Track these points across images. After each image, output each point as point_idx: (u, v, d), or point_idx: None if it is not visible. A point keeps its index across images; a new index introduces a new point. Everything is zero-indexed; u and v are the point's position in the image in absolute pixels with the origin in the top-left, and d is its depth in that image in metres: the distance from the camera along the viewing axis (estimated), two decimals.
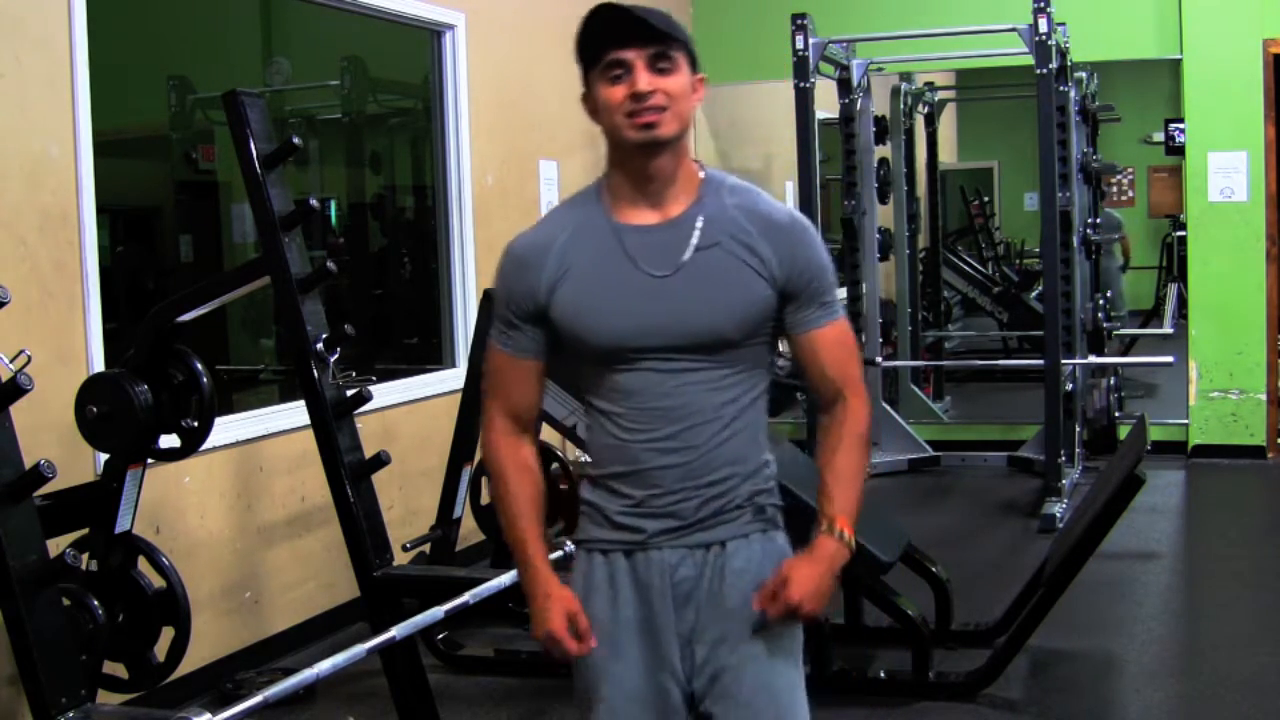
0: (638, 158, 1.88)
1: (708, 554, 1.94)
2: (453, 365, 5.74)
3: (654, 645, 1.94)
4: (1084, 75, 7.51)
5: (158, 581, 3.45)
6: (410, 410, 5.24)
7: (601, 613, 1.96)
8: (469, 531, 4.89)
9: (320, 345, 3.51)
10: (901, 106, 8.29)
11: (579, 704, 2.02)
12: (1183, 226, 8.38)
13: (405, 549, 4.30)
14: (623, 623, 1.95)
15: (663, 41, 1.83)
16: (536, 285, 1.92)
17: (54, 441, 3.52)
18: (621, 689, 1.94)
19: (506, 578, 3.43)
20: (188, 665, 3.60)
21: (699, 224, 1.90)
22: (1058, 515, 5.95)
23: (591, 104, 1.89)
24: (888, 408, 7.58)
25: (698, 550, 1.93)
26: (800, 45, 6.58)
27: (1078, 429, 7.07)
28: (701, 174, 1.94)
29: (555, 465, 4.85)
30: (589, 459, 2.02)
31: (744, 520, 1.96)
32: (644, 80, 1.82)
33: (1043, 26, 6.08)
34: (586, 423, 2.02)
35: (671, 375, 1.90)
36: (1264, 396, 7.19)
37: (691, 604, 1.94)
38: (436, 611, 3.20)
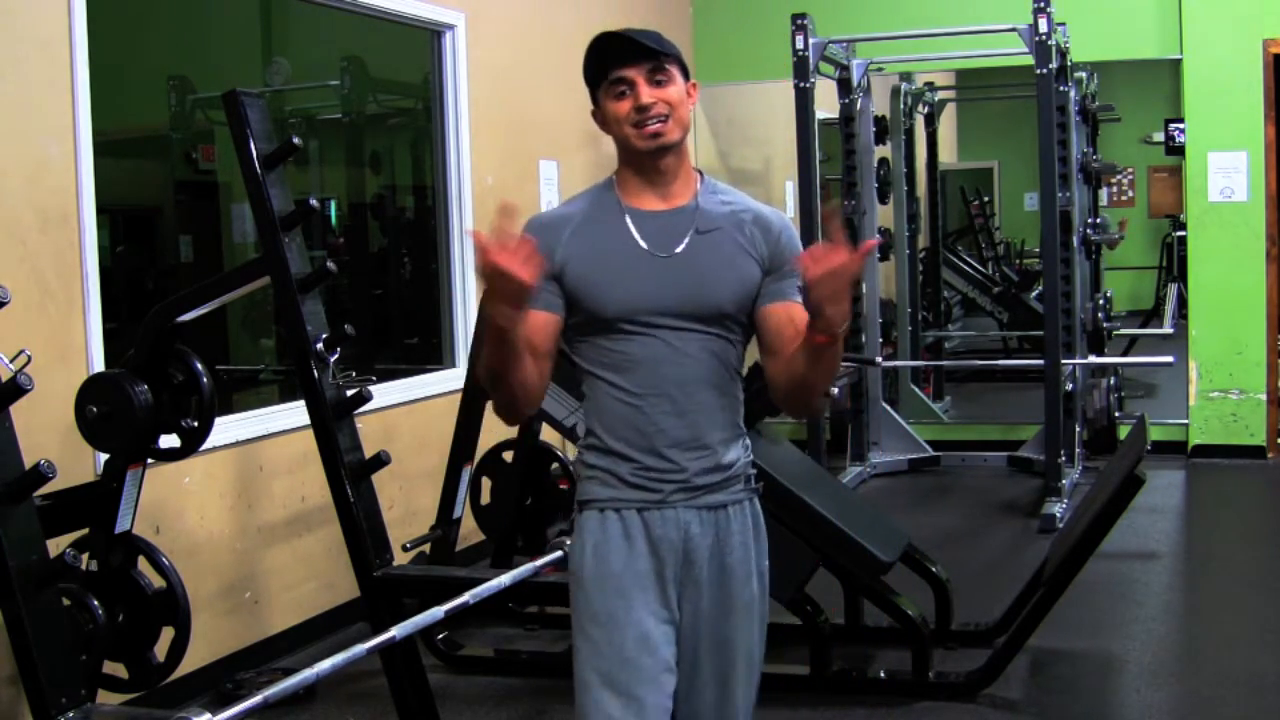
0: (646, 161, 2.12)
1: (712, 515, 2.14)
2: (453, 365, 5.74)
3: (661, 594, 2.12)
4: (1084, 75, 7.51)
5: (158, 581, 3.45)
6: (410, 410, 5.24)
7: (616, 566, 2.12)
8: (469, 531, 4.89)
9: (320, 345, 3.52)
10: (901, 106, 8.29)
11: (589, 651, 2.10)
12: (1183, 226, 8.38)
13: (405, 549, 4.30)
14: (637, 576, 2.11)
15: (657, 58, 2.08)
16: (552, 251, 2.09)
17: (54, 441, 3.52)
18: (632, 637, 2.09)
19: (506, 578, 3.43)
20: (188, 665, 3.60)
21: (699, 212, 2.14)
22: (1058, 515, 5.95)
23: (601, 118, 2.14)
24: (888, 408, 7.58)
25: (704, 512, 2.13)
26: (800, 45, 6.59)
27: (1078, 429, 7.07)
28: (698, 178, 2.19)
29: (555, 465, 4.86)
30: (591, 428, 2.16)
31: (738, 488, 2.17)
32: (645, 94, 2.07)
33: (1043, 26, 6.08)
34: (585, 394, 2.16)
35: (677, 344, 2.10)
36: (1264, 396, 7.19)
37: (696, 561, 2.13)
38: (436, 611, 3.20)
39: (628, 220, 2.12)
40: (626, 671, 2.08)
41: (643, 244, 2.11)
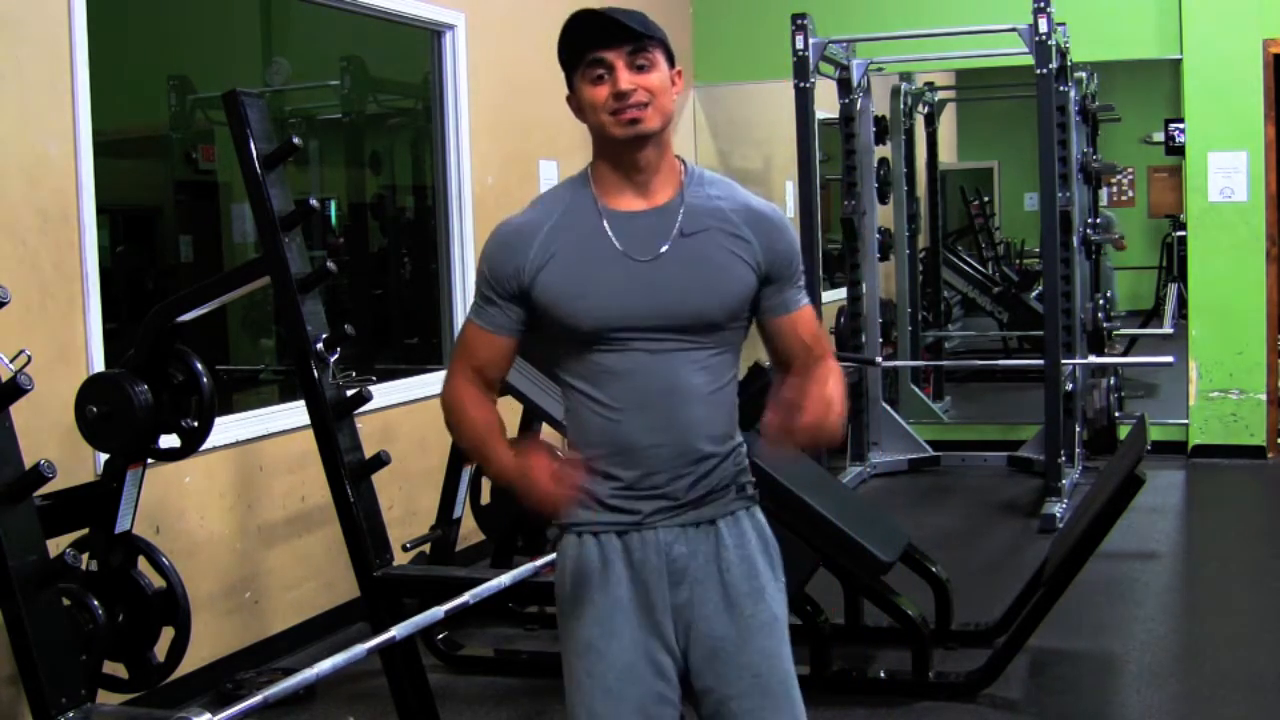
0: (624, 152, 1.95)
1: (700, 532, 2.00)
2: None
3: (649, 622, 1.99)
4: (1084, 75, 7.51)
5: (158, 581, 3.45)
6: (410, 410, 5.24)
7: (595, 594, 2.00)
8: (469, 531, 4.89)
9: (320, 345, 3.51)
10: (901, 106, 8.29)
11: (572, 685, 2.02)
12: (1183, 226, 8.38)
13: (405, 549, 4.30)
14: (616, 602, 1.99)
15: (640, 40, 1.92)
16: (521, 266, 1.97)
17: (54, 441, 3.52)
18: (615, 667, 1.98)
19: (506, 578, 3.43)
20: (188, 665, 3.60)
21: (683, 211, 1.97)
22: (1058, 515, 5.94)
23: (576, 103, 1.98)
24: (888, 408, 7.57)
25: (690, 528, 2.00)
26: (800, 45, 6.58)
27: (1078, 429, 7.07)
28: (683, 168, 2.02)
29: None
30: (572, 444, 2.05)
31: (730, 499, 2.03)
32: (625, 79, 1.91)
33: (1043, 26, 6.08)
34: (565, 407, 2.05)
35: (659, 356, 1.96)
36: (1264, 396, 7.19)
37: (686, 581, 2.00)
38: (436, 611, 3.20)
39: (604, 223, 1.96)
40: (609, 704, 1.97)
41: (620, 249, 1.94)
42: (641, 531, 1.99)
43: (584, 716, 1.99)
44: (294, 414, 4.36)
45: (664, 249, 1.95)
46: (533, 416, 4.53)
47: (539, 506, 1.94)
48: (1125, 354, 8.97)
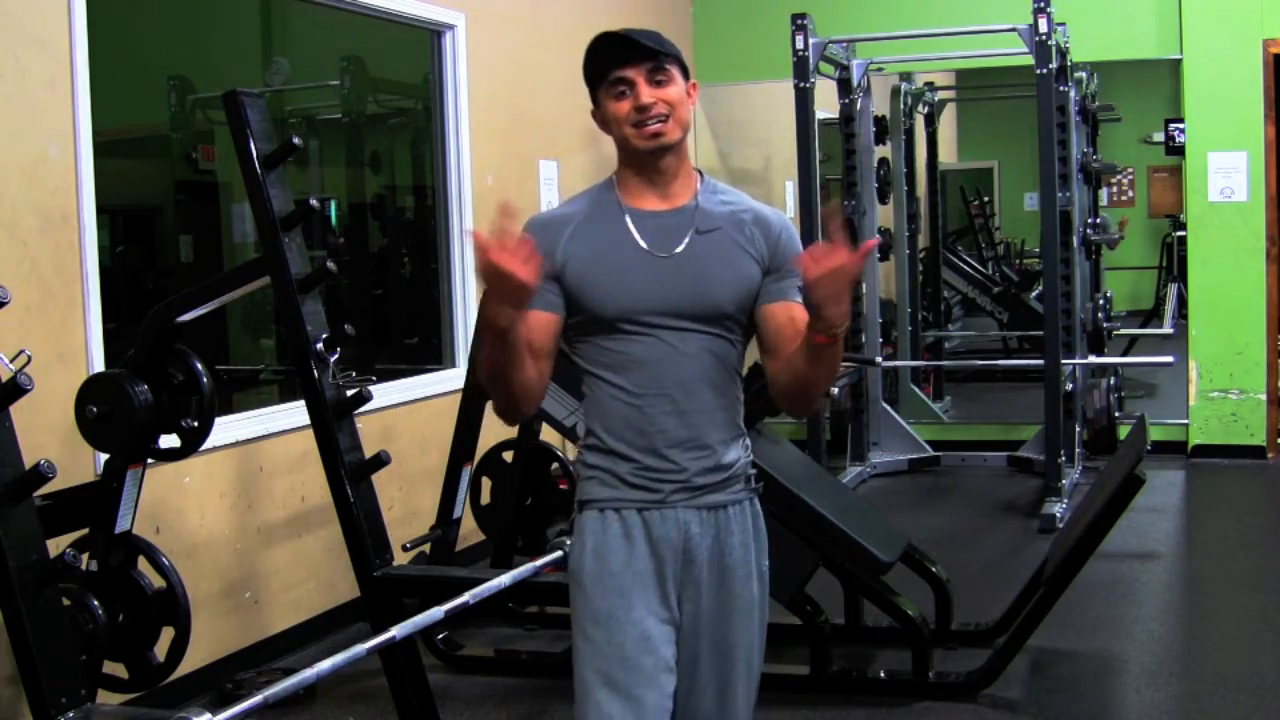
0: (647, 160, 2.13)
1: (712, 515, 2.14)
2: (453, 365, 5.74)
3: (661, 594, 2.13)
4: (1084, 75, 7.51)
5: (158, 581, 3.45)
6: (410, 410, 5.24)
7: (616, 565, 2.12)
8: (469, 531, 4.89)
9: (320, 345, 3.52)
10: (901, 106, 8.29)
11: (590, 651, 2.11)
12: (1183, 226, 8.37)
13: (405, 549, 4.30)
14: (637, 575, 2.12)
15: (657, 58, 2.09)
16: (553, 250, 2.11)
17: (54, 441, 3.52)
18: (632, 637, 2.10)
19: (506, 578, 3.43)
20: (188, 665, 3.60)
21: (698, 213, 2.14)
22: (1058, 515, 5.95)
23: (600, 118, 2.15)
24: (888, 408, 7.58)
25: (704, 512, 2.14)
26: (800, 45, 6.59)
27: (1078, 429, 7.07)
28: (698, 177, 2.20)
29: (555, 465, 4.86)
30: (591, 428, 2.16)
31: (738, 488, 2.18)
32: (645, 94, 2.08)
33: (1043, 26, 6.09)
34: (586, 395, 2.17)
35: (677, 345, 2.10)
36: (1264, 396, 7.19)
37: (696, 560, 2.14)
38: (436, 611, 3.20)
39: (628, 220, 2.12)
40: (626, 671, 2.08)
41: (643, 244, 2.11)
42: (662, 510, 2.12)
43: (599, 682, 2.08)
44: (294, 414, 4.36)
45: (682, 244, 2.11)
46: (533, 417, 4.53)
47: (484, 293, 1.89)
48: (1125, 354, 8.97)
